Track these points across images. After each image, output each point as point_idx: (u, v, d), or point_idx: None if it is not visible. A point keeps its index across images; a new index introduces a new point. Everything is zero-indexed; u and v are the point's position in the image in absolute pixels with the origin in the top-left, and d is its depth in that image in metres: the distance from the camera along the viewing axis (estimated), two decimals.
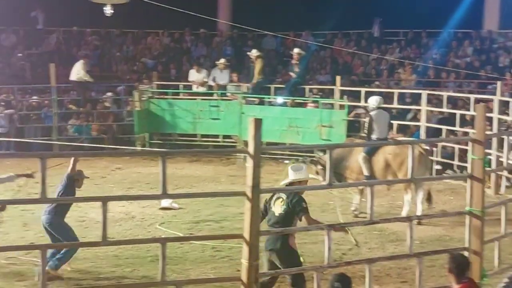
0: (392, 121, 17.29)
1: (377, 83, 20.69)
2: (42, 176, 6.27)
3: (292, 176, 7.99)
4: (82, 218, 11.95)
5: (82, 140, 18.48)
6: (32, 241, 10.31)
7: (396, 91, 17.89)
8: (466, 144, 13.49)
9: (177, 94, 19.51)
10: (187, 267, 9.72)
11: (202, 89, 19.48)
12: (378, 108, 12.99)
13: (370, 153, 12.57)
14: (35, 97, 19.87)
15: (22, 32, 23.96)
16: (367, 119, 12.95)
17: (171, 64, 22.91)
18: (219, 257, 10.15)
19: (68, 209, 9.46)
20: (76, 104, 19.83)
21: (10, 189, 11.81)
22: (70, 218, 11.82)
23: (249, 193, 6.66)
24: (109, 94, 20.35)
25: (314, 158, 13.25)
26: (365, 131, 12.83)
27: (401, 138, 16.45)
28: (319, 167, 12.87)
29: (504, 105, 15.56)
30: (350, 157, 12.77)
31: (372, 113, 12.88)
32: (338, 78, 18.44)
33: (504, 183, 14.73)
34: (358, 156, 12.59)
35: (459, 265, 6.61)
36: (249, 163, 6.66)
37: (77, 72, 19.33)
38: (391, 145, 12.27)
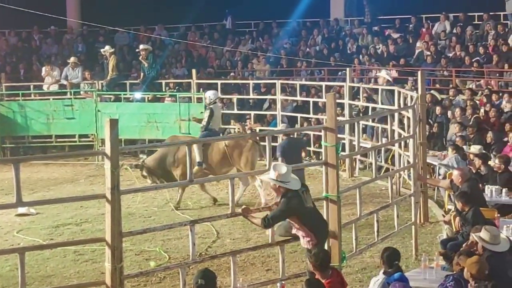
0: (249, 112, 17.74)
1: (232, 74, 20.90)
2: None
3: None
4: None
5: None
6: None
7: (251, 82, 18.23)
8: (321, 131, 13.95)
9: (28, 95, 18.79)
10: (49, 274, 9.48)
11: (53, 88, 18.89)
12: (215, 102, 13.48)
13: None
14: None
15: None
16: (207, 112, 13.25)
17: (20, 64, 22.04)
18: (82, 260, 9.94)
19: None
20: None
21: None
22: None
23: (108, 195, 6.55)
24: None
25: (138, 163, 13.21)
26: (204, 123, 13.09)
27: (258, 127, 16.83)
28: (144, 171, 12.99)
29: (355, 91, 16.22)
30: (176, 152, 12.86)
31: (212, 106, 13.32)
32: (194, 71, 18.51)
33: (358, 166, 15.38)
34: (192, 147, 12.72)
35: (322, 261, 6.80)
36: (107, 165, 6.55)
37: None
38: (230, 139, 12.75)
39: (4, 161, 16.45)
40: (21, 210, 12.23)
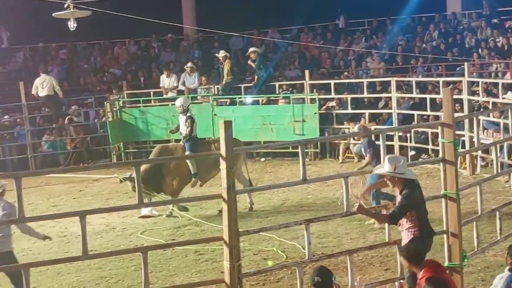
0: (364, 111, 17.54)
1: (346, 74, 20.78)
2: (18, 195, 6.27)
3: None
4: (63, 233, 11.97)
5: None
6: None
7: (365, 81, 18.04)
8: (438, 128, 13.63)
9: (149, 101, 19.46)
10: (171, 273, 9.74)
11: (172, 94, 19.46)
12: (188, 108, 13.31)
13: (194, 151, 12.78)
14: (6, 117, 19.84)
15: None
16: (188, 121, 12.99)
17: (139, 72, 22.84)
18: (202, 260, 10.17)
19: None
20: (48, 119, 19.84)
21: None
22: (51, 234, 11.86)
23: (225, 195, 6.68)
24: (74, 107, 20.27)
25: (131, 175, 12.55)
26: (188, 132, 12.94)
27: (374, 126, 16.62)
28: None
29: (475, 86, 15.72)
30: (168, 163, 12.72)
31: (189, 114, 13.16)
32: (307, 72, 18.53)
33: (479, 163, 14.89)
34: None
35: (415, 253, 6.66)
36: (223, 165, 6.69)
37: (49, 87, 19.36)
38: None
39: (126, 164, 17.14)
40: (144, 212, 12.69)
